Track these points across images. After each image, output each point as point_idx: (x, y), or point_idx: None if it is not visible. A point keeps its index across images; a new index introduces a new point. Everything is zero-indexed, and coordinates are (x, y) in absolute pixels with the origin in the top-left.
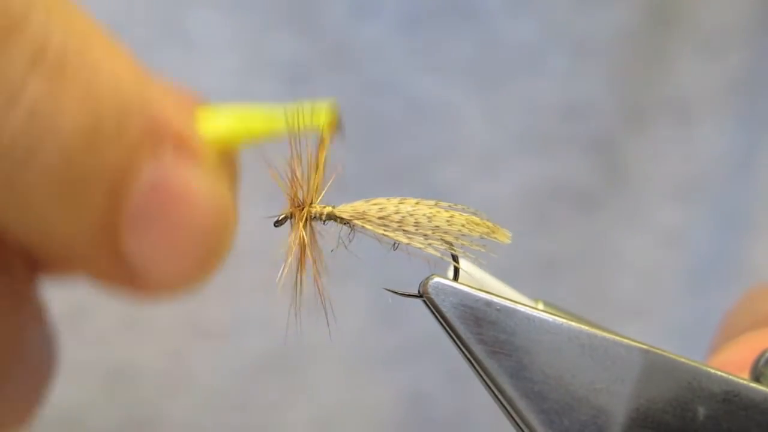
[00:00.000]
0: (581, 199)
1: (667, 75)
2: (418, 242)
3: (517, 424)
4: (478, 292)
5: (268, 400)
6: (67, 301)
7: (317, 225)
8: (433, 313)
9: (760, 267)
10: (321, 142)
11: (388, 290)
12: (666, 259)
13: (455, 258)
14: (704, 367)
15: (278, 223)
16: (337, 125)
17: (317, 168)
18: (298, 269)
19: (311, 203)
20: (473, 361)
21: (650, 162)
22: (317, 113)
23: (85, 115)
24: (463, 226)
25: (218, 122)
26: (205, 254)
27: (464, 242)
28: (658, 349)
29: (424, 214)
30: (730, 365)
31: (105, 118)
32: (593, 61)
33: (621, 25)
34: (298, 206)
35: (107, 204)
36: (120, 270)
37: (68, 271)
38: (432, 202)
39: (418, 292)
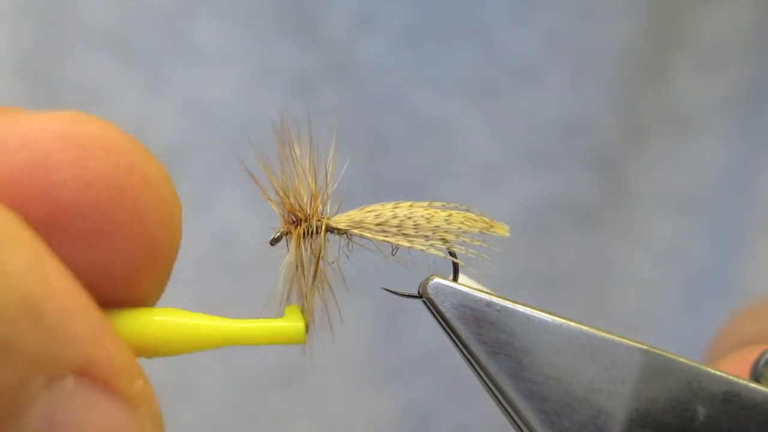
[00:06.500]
0: (581, 213)
1: (667, 90)
2: (419, 244)
3: (517, 425)
4: (478, 292)
5: (272, 412)
6: None
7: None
8: (433, 314)
9: (757, 282)
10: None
11: (388, 290)
12: (665, 274)
13: (454, 254)
14: (704, 368)
15: (274, 242)
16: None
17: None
18: (300, 284)
19: (307, 219)
20: (473, 362)
21: (650, 177)
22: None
23: None
24: (462, 223)
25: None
26: None
27: (465, 239)
28: (658, 349)
29: (422, 216)
30: None
31: None
32: (594, 76)
33: (621, 40)
34: (293, 222)
35: None
36: None
37: None
38: (425, 203)
39: (418, 292)
